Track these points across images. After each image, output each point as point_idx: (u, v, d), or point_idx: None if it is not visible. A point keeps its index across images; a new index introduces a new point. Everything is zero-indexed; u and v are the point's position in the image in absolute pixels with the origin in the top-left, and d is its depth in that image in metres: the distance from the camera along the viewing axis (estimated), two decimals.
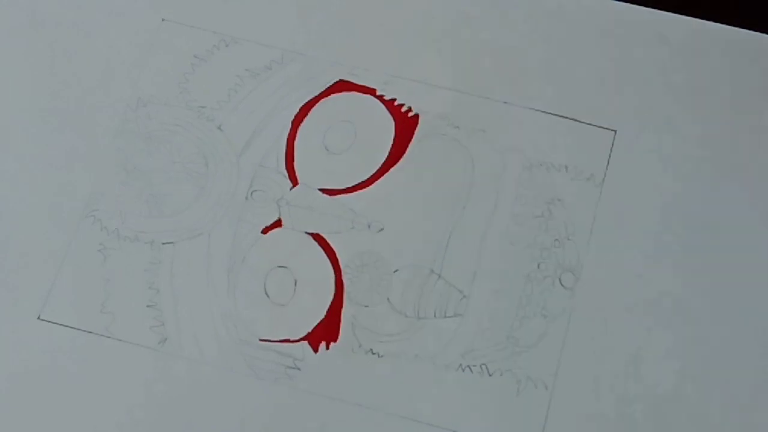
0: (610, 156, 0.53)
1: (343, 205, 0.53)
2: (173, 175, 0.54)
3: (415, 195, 0.53)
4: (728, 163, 0.52)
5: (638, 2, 0.57)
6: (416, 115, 0.54)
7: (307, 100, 0.55)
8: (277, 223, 0.53)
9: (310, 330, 0.50)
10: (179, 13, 0.57)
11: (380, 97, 0.55)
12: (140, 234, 0.52)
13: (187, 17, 0.57)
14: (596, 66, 0.54)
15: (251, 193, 0.53)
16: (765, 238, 0.51)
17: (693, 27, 0.56)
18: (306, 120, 0.55)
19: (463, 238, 0.52)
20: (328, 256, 0.52)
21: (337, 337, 0.50)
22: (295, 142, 0.54)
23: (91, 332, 0.50)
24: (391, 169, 0.53)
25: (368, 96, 0.55)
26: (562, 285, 0.51)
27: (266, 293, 0.51)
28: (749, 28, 0.56)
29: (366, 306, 0.51)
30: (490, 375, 0.50)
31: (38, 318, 0.51)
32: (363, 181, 0.53)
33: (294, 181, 0.53)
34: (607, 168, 0.53)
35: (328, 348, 0.50)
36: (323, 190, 0.53)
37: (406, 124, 0.54)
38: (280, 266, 0.52)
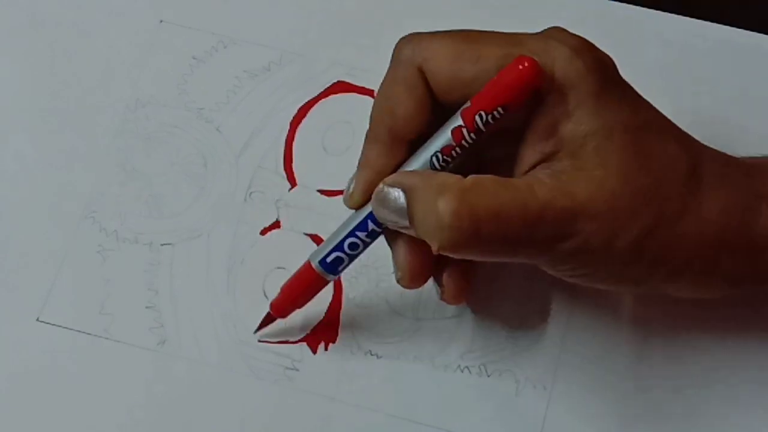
0: None
1: (342, 206, 0.52)
2: (172, 177, 0.54)
3: None
4: None
5: (638, 2, 0.57)
6: None
7: (305, 101, 0.55)
8: (276, 224, 0.53)
9: (308, 331, 0.50)
10: (178, 14, 0.57)
11: None
12: (139, 235, 0.52)
13: (185, 18, 0.57)
14: None
15: (250, 194, 0.53)
16: None
17: (693, 27, 0.56)
18: (305, 121, 0.55)
19: None
20: None
21: (335, 339, 0.50)
22: (294, 143, 0.54)
23: (90, 334, 0.50)
24: None
25: (367, 97, 0.55)
26: (561, 285, 0.51)
27: (265, 294, 0.51)
28: (749, 29, 0.56)
29: (365, 307, 0.51)
30: (488, 375, 0.50)
31: (37, 320, 0.51)
32: None
33: (293, 182, 0.53)
34: None
35: (326, 349, 0.50)
36: (322, 191, 0.53)
37: None
38: (278, 267, 0.52)
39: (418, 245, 0.43)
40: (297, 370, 0.50)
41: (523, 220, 0.40)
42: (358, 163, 0.45)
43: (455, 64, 0.42)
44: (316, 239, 0.52)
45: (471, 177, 0.41)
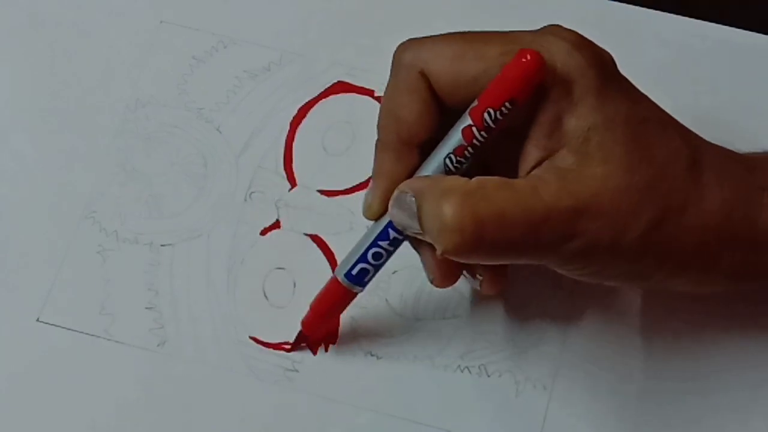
0: None
1: (341, 206, 0.53)
2: (172, 177, 0.54)
3: None
4: None
5: (638, 2, 0.57)
6: None
7: (305, 101, 0.55)
8: (276, 225, 0.53)
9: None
10: (178, 14, 0.57)
11: (379, 98, 0.54)
12: (139, 235, 0.52)
13: (185, 18, 0.57)
14: None
15: (250, 195, 0.53)
16: None
17: (692, 27, 0.56)
18: (305, 121, 0.55)
19: None
20: (326, 257, 0.52)
21: (335, 340, 0.50)
22: (294, 143, 0.54)
23: (90, 334, 0.50)
24: None
25: (367, 97, 0.55)
26: (561, 286, 0.51)
27: (265, 294, 0.51)
28: (749, 29, 0.56)
29: (364, 307, 0.51)
30: (488, 376, 0.50)
31: (37, 320, 0.51)
32: (361, 183, 0.53)
33: (293, 183, 0.53)
34: None
35: (326, 350, 0.50)
36: (322, 192, 0.53)
37: None
38: (278, 267, 0.52)
39: None
40: (297, 371, 0.50)
41: (527, 222, 0.40)
42: (373, 174, 0.45)
43: (456, 64, 0.42)
44: (316, 239, 0.52)
45: (475, 179, 0.41)
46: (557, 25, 0.43)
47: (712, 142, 0.44)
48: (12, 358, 0.50)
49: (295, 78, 0.56)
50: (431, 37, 0.44)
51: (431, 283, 0.45)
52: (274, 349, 0.50)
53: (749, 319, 0.50)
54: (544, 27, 0.43)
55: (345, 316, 0.50)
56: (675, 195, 0.41)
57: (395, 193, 0.43)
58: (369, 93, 0.55)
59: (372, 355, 0.50)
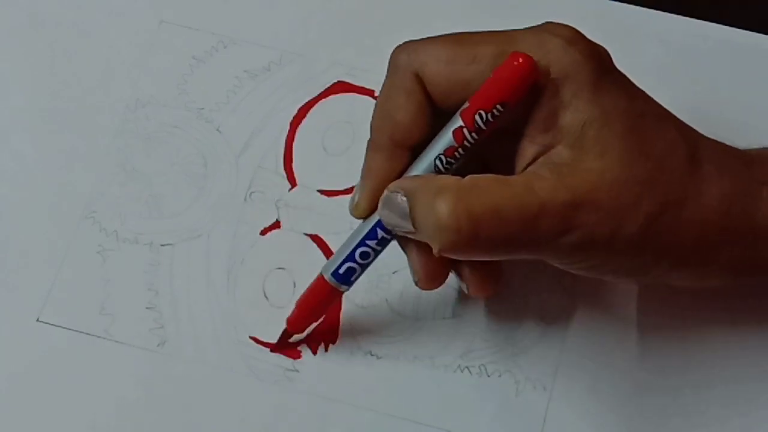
0: None
1: (341, 206, 0.52)
2: (172, 177, 0.54)
3: None
4: None
5: (638, 2, 0.57)
6: None
7: (305, 101, 0.55)
8: (276, 225, 0.53)
9: (309, 332, 0.50)
10: (178, 14, 0.57)
11: None
12: (139, 235, 0.52)
13: (185, 18, 0.57)
14: None
15: (250, 194, 0.53)
16: None
17: (692, 27, 0.56)
18: (305, 121, 0.55)
19: None
20: (326, 257, 0.52)
21: (335, 339, 0.50)
22: (294, 143, 0.54)
23: (90, 334, 0.50)
24: None
25: (367, 97, 0.55)
26: (561, 286, 0.51)
27: (265, 294, 0.51)
28: (749, 29, 0.56)
29: (364, 308, 0.51)
30: (488, 376, 0.50)
31: (37, 320, 0.51)
32: None
33: (293, 183, 0.53)
34: None
35: (326, 350, 0.50)
36: (322, 191, 0.53)
37: None
38: (278, 267, 0.52)
39: (429, 247, 0.43)
40: (297, 370, 0.50)
41: (522, 217, 0.40)
42: (362, 173, 0.45)
43: (451, 66, 0.42)
44: (316, 239, 0.52)
45: (469, 177, 0.41)
46: (552, 22, 0.43)
47: None
48: (12, 358, 0.50)
49: (295, 78, 0.56)
50: (427, 39, 0.44)
51: (416, 284, 0.45)
52: (274, 350, 0.50)
53: (749, 314, 0.50)
54: (540, 24, 0.43)
55: (345, 316, 0.50)
56: (673, 189, 0.41)
57: (385, 193, 0.43)
58: (369, 93, 0.55)
59: (372, 355, 0.50)
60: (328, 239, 0.52)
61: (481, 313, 0.51)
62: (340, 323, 0.50)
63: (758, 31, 0.56)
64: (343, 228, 0.52)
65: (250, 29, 0.57)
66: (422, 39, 0.44)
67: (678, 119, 0.44)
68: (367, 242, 0.45)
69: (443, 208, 0.40)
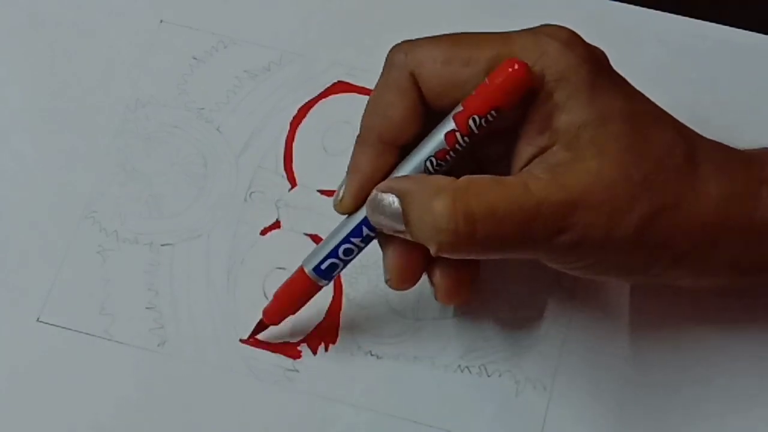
0: None
1: None
2: (172, 177, 0.54)
3: None
4: None
5: (638, 2, 0.57)
6: None
7: (305, 101, 0.55)
8: (276, 225, 0.53)
9: (308, 332, 0.50)
10: (178, 14, 0.57)
11: None
12: (139, 235, 0.52)
13: (185, 18, 0.57)
14: None
15: (250, 195, 0.53)
16: None
17: (692, 27, 0.56)
18: (305, 121, 0.55)
19: None
20: None
21: (336, 339, 0.50)
22: (294, 143, 0.54)
23: (90, 334, 0.50)
24: None
25: (367, 97, 0.54)
26: (561, 286, 0.51)
27: (265, 294, 0.51)
28: (749, 29, 0.56)
29: (365, 308, 0.51)
30: (488, 376, 0.50)
31: (37, 320, 0.51)
32: None
33: (293, 182, 0.53)
34: None
35: (327, 350, 0.50)
36: (322, 192, 0.53)
37: None
38: (278, 267, 0.52)
39: (410, 247, 0.44)
40: (297, 371, 0.50)
41: (518, 217, 0.40)
42: (348, 169, 0.45)
43: (446, 67, 0.42)
44: (316, 239, 0.52)
45: (465, 177, 0.41)
46: (549, 25, 0.43)
47: None
48: (12, 358, 0.50)
49: (295, 78, 0.56)
50: (424, 39, 0.44)
51: (386, 283, 0.45)
52: (274, 351, 0.50)
53: (748, 314, 0.50)
54: (537, 27, 0.43)
55: (345, 316, 0.50)
56: (670, 189, 0.41)
57: (373, 193, 0.43)
58: (369, 93, 0.54)
59: (372, 355, 0.50)
60: None
61: (482, 313, 0.51)
62: (340, 323, 0.50)
63: (758, 31, 0.56)
64: None
65: (250, 29, 0.57)
66: (419, 39, 0.44)
67: (675, 120, 0.44)
68: (352, 239, 0.45)
69: (440, 208, 0.40)
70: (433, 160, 0.42)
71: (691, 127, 0.44)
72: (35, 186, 0.54)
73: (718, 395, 0.49)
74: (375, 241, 0.45)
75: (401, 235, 0.43)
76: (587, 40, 0.43)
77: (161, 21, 0.57)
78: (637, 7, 0.57)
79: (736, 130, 0.52)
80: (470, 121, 0.41)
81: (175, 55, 0.56)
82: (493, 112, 0.41)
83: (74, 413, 0.49)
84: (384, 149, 0.44)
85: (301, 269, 0.47)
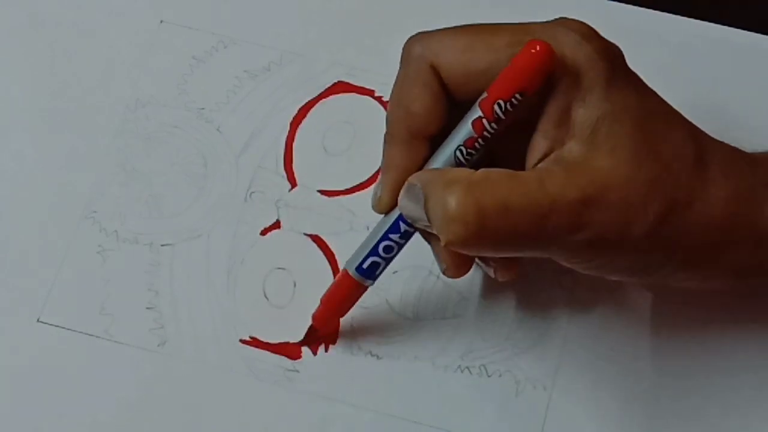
0: None
1: (341, 206, 0.53)
2: (172, 177, 0.54)
3: None
4: None
5: (638, 3, 0.57)
6: None
7: (305, 101, 0.55)
8: (276, 225, 0.53)
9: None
10: (178, 14, 0.57)
11: (379, 98, 0.55)
12: (139, 235, 0.52)
13: (185, 18, 0.57)
14: None
15: (250, 195, 0.53)
16: None
17: (692, 27, 0.56)
18: (305, 121, 0.55)
19: None
20: (326, 257, 0.52)
21: (335, 339, 0.50)
22: (294, 143, 0.54)
23: (90, 334, 0.50)
24: None
25: (367, 97, 0.55)
26: (561, 286, 0.51)
27: (265, 295, 0.51)
28: (749, 29, 0.56)
29: (365, 308, 0.51)
30: (489, 376, 0.50)
31: (37, 320, 0.51)
32: (362, 183, 0.53)
33: (293, 183, 0.53)
34: None
35: (327, 350, 0.50)
36: (322, 192, 0.53)
37: None
38: (278, 267, 0.52)
39: None
40: (297, 371, 0.50)
41: (532, 214, 0.40)
42: (382, 167, 0.45)
43: (467, 56, 0.42)
44: (316, 239, 0.52)
45: (481, 171, 0.40)
46: (567, 18, 0.43)
47: None
48: (12, 358, 0.50)
49: (295, 78, 0.56)
50: (441, 30, 0.44)
51: (444, 273, 0.45)
52: (274, 351, 0.50)
53: (751, 318, 0.50)
54: (554, 19, 0.43)
55: (345, 316, 0.50)
56: (681, 189, 0.41)
57: (405, 185, 0.43)
58: (369, 93, 0.55)
59: (372, 355, 0.50)
60: (328, 239, 0.52)
61: (481, 313, 0.51)
62: (340, 324, 0.50)
63: (758, 31, 0.56)
64: (343, 228, 0.52)
65: (250, 29, 0.57)
66: (435, 30, 0.44)
67: (687, 120, 0.43)
68: (390, 236, 0.45)
69: (452, 200, 0.39)
70: (463, 149, 0.42)
71: None
72: (35, 186, 0.54)
73: (721, 396, 0.49)
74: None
75: (428, 229, 0.42)
76: (594, 28, 0.43)
77: (161, 21, 0.57)
78: (637, 7, 0.57)
79: (736, 130, 0.52)
80: (495, 107, 0.41)
81: (175, 55, 0.56)
82: (517, 95, 0.40)
83: (74, 413, 0.49)
84: (413, 143, 0.44)
85: (344, 271, 0.47)
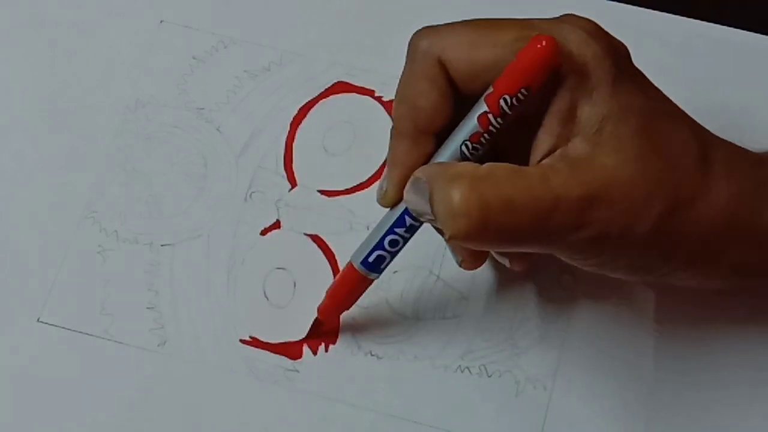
0: None
1: (341, 206, 0.53)
2: (172, 177, 0.54)
3: None
4: None
5: (638, 3, 0.57)
6: None
7: (305, 102, 0.55)
8: (276, 225, 0.53)
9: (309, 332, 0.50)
10: (178, 14, 0.57)
11: (379, 98, 0.55)
12: (139, 235, 0.52)
13: (185, 18, 0.57)
14: None
15: (250, 195, 0.53)
16: None
17: (693, 27, 0.56)
18: (305, 121, 0.55)
19: None
20: (326, 257, 0.52)
21: (336, 339, 0.50)
22: (294, 144, 0.54)
23: (90, 334, 0.50)
24: None
25: (367, 97, 0.55)
26: (561, 286, 0.51)
27: (265, 295, 0.51)
28: (749, 29, 0.56)
29: (365, 308, 0.51)
30: (489, 376, 0.50)
31: (37, 320, 0.51)
32: (362, 183, 0.53)
33: (293, 183, 0.53)
34: None
35: (327, 350, 0.50)
36: (322, 192, 0.53)
37: None
38: (279, 268, 0.52)
39: None
40: (297, 371, 0.50)
41: (535, 210, 0.40)
42: (388, 162, 0.45)
43: (473, 50, 0.42)
44: (316, 239, 0.52)
45: (486, 165, 0.40)
46: (573, 14, 0.43)
47: None
48: (12, 358, 0.50)
49: (295, 78, 0.56)
50: (446, 24, 0.44)
51: (459, 266, 0.45)
52: (274, 351, 0.50)
53: (752, 317, 0.50)
54: (560, 16, 0.43)
55: (345, 316, 0.50)
56: (684, 188, 0.41)
57: (411, 179, 0.43)
58: (369, 93, 0.55)
59: (372, 355, 0.50)
60: (328, 239, 0.52)
61: (481, 313, 0.51)
62: (340, 323, 0.50)
63: (758, 31, 0.56)
64: (343, 228, 0.52)
65: (250, 29, 0.57)
66: (441, 25, 0.44)
67: (691, 119, 0.43)
68: (396, 230, 0.45)
69: (456, 195, 0.39)
70: (469, 144, 0.42)
71: None
72: (35, 186, 0.54)
73: (722, 395, 0.49)
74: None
75: (432, 223, 0.42)
76: (600, 25, 0.43)
77: (161, 21, 0.57)
78: (638, 7, 0.57)
79: (736, 130, 0.52)
80: (501, 102, 0.41)
81: (175, 55, 0.56)
82: (523, 90, 0.40)
83: (74, 413, 0.49)
84: (419, 138, 0.44)
85: (350, 264, 0.46)
